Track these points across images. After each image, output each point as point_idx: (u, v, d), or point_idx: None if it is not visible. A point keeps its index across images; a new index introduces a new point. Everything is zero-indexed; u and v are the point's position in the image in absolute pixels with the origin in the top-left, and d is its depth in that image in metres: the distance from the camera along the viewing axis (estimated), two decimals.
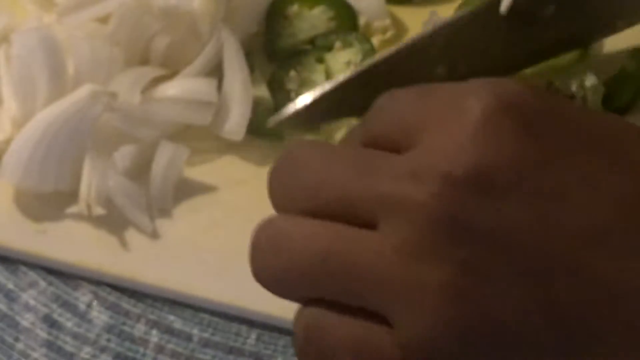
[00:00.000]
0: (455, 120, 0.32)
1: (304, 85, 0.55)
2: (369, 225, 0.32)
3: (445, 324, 0.31)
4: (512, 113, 0.32)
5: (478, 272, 0.31)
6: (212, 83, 0.53)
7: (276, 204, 0.35)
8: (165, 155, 0.52)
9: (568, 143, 0.32)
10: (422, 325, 0.31)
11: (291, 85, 0.55)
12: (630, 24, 0.53)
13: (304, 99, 0.51)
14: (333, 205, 0.33)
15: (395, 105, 0.35)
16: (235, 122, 0.53)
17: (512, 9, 0.50)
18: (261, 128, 0.53)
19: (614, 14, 0.53)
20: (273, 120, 0.52)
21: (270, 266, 0.34)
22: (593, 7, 0.52)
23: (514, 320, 0.31)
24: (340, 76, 0.51)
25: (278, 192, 0.35)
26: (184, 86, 0.54)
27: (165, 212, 0.51)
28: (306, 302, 0.34)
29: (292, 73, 0.56)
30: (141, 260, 0.50)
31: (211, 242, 0.50)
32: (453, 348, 0.31)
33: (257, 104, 0.54)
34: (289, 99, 0.54)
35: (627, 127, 0.34)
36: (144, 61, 0.56)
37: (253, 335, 0.48)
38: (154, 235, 0.50)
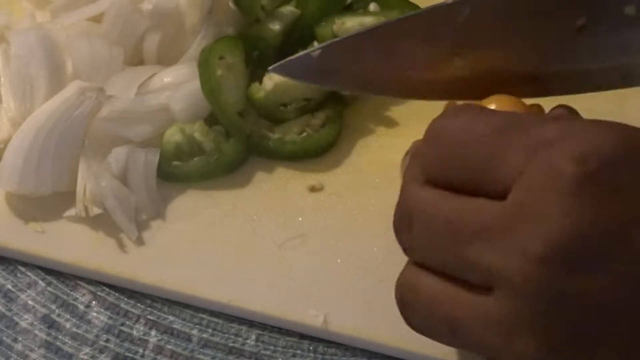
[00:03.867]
0: (545, 188, 0.32)
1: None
2: None
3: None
4: (600, 178, 0.31)
5: (573, 341, 0.33)
6: (193, 65, 0.54)
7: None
8: (139, 162, 0.51)
9: None
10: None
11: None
12: None
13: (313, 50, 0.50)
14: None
15: (462, 136, 0.36)
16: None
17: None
18: None
19: None
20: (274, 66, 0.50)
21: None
22: None
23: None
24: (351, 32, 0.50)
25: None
26: (168, 75, 0.54)
27: (164, 213, 0.51)
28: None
29: None
30: (140, 261, 0.49)
31: (210, 243, 0.50)
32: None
33: None
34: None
35: None
36: (138, 59, 0.56)
37: (253, 336, 0.48)
38: (153, 235, 0.50)
